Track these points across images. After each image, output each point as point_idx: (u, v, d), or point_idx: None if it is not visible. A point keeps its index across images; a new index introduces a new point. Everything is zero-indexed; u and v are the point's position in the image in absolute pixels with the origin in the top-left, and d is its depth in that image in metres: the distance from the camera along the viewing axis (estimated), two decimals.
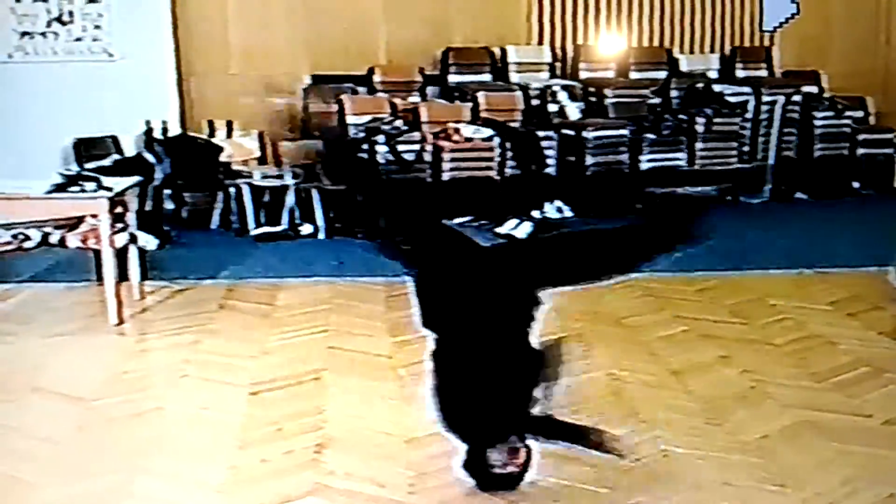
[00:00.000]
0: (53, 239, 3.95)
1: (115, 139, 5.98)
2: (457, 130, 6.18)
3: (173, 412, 2.96)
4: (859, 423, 2.79)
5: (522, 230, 5.73)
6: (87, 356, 3.56)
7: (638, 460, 2.52)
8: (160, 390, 3.17)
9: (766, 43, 7.78)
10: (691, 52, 7.66)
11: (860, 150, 7.19)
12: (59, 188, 3.76)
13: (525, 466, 2.36)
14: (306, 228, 5.82)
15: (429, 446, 2.50)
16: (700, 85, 7.11)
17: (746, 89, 7.11)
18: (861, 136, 7.20)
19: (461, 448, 2.36)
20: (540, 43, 7.38)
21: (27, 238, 3.92)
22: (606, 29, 7.52)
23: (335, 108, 6.42)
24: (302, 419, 2.84)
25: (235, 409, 2.95)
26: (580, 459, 2.49)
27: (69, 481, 2.46)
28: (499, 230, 5.74)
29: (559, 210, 6.13)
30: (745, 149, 7.01)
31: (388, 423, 2.80)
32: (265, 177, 6.06)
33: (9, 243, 3.92)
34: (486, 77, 7.02)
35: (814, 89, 7.33)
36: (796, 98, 7.10)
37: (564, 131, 6.46)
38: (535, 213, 5.95)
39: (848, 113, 7.19)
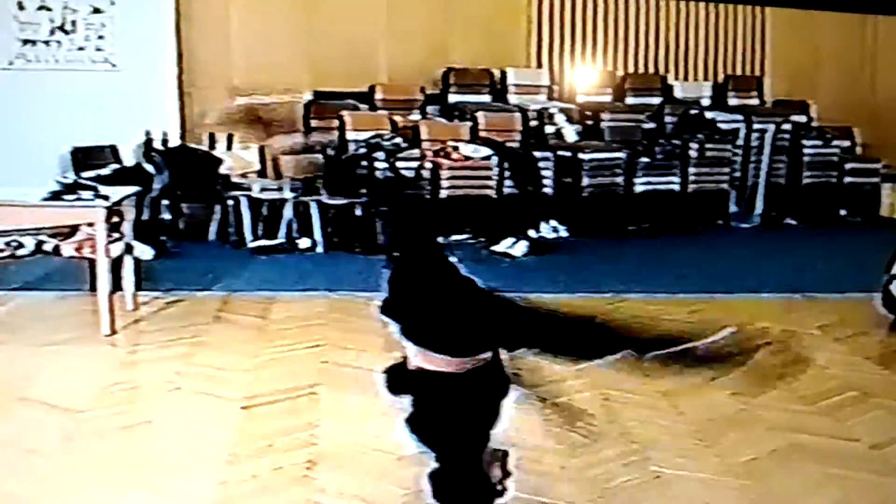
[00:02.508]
0: (48, 247, 3.91)
1: (114, 149, 5.99)
2: (455, 149, 6.22)
3: (164, 425, 2.92)
4: (846, 448, 2.80)
5: (518, 249, 5.76)
6: (78, 366, 3.51)
7: (629, 481, 2.53)
8: (151, 403, 3.13)
9: (758, 73, 7.91)
10: (685, 79, 7.79)
11: (847, 179, 7.33)
12: (56, 196, 3.74)
13: None
14: (304, 242, 5.82)
15: (420, 464, 2.48)
16: (693, 111, 7.22)
17: (738, 117, 7.25)
18: (848, 165, 7.33)
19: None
20: (539, 66, 7.47)
21: (21, 245, 3.88)
22: (603, 55, 7.62)
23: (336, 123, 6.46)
24: (294, 434, 2.81)
25: (227, 424, 2.91)
26: (574, 479, 2.50)
27: (56, 495, 2.42)
28: (495, 248, 5.78)
29: (555, 230, 6.18)
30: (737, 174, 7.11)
31: (380, 439, 2.77)
32: (264, 189, 6.07)
33: (2, 251, 3.89)
34: (486, 98, 7.13)
35: (803, 119, 7.48)
36: (786, 126, 7.23)
37: (561, 153, 6.54)
38: (532, 233, 5.99)
39: (835, 142, 7.34)
